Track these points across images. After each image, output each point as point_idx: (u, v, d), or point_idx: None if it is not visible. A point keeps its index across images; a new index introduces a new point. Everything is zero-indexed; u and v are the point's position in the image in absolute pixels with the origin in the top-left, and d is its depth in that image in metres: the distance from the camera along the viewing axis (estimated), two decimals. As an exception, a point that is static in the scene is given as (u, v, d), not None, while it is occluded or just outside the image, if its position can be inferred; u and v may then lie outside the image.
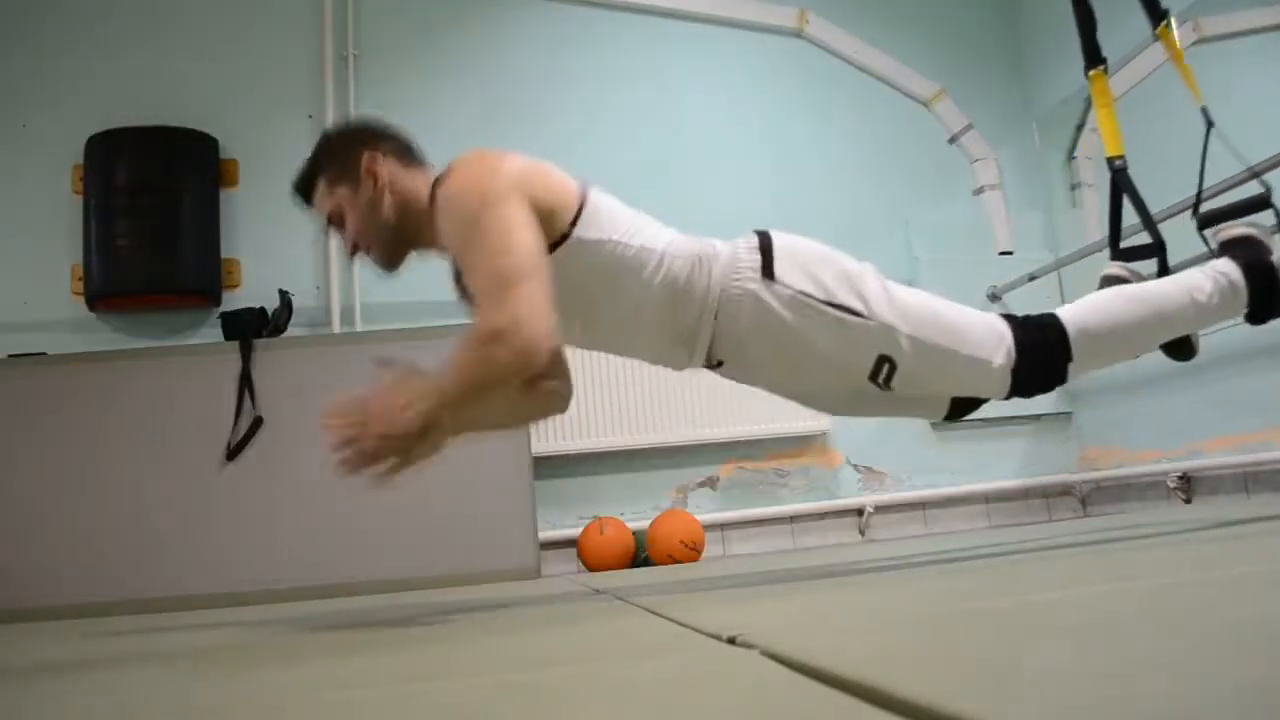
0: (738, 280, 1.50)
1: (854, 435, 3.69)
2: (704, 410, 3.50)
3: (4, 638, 2.07)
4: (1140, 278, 1.89)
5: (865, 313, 1.48)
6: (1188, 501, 3.21)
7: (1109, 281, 1.90)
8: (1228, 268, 1.64)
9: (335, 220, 1.54)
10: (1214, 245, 1.76)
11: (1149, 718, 0.44)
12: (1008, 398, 1.57)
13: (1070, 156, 3.91)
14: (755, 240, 1.56)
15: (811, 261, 1.52)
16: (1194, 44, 3.13)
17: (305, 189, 1.58)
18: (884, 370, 1.50)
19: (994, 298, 3.80)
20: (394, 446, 1.31)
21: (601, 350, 1.65)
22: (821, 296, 1.48)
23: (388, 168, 1.51)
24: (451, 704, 0.70)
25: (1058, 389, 1.62)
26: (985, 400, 1.63)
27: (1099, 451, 3.70)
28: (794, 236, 1.58)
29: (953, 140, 4.04)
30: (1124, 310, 1.59)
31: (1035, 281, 3.63)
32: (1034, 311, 1.61)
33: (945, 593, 1.23)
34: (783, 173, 3.88)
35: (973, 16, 4.19)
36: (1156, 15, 2.05)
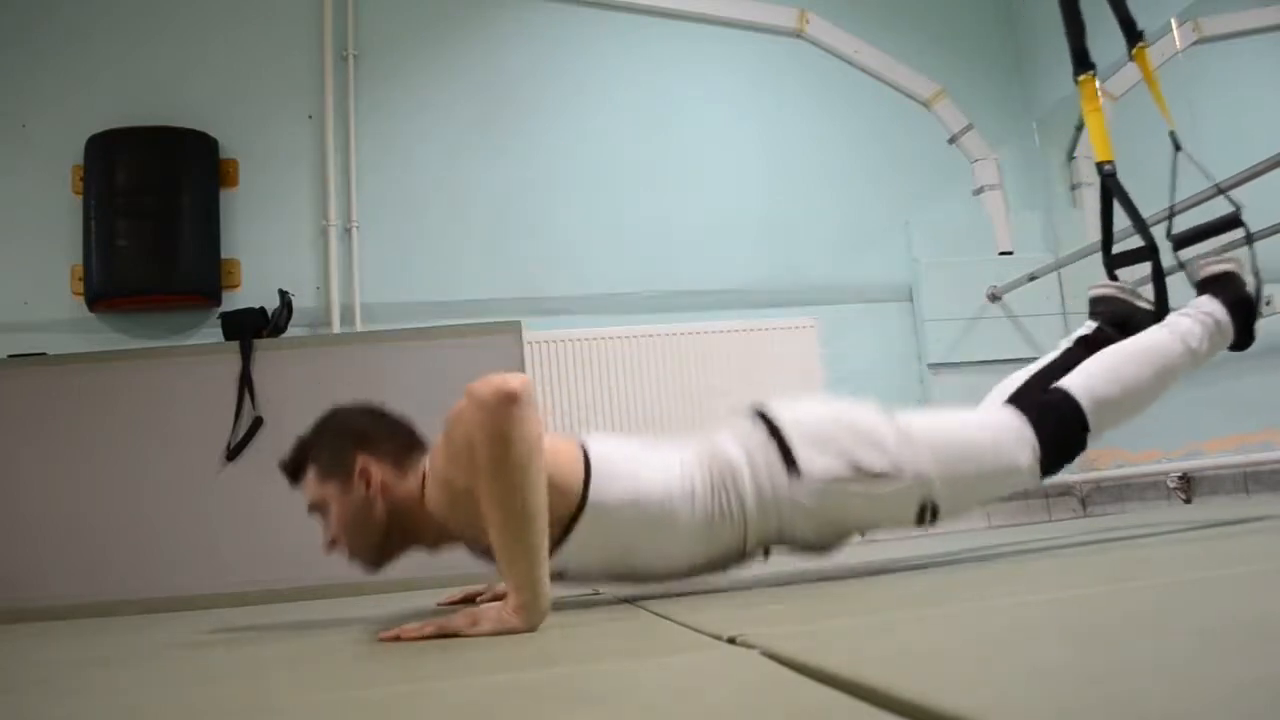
0: (768, 489, 1.45)
1: (854, 435, 3.68)
2: (704, 410, 3.50)
3: (4, 638, 2.06)
4: (1133, 293, 1.91)
5: (895, 473, 1.45)
6: (1188, 501, 3.21)
7: (1099, 303, 1.92)
8: (1211, 307, 1.72)
9: (319, 510, 1.50)
10: (1194, 281, 1.82)
11: (1149, 718, 0.44)
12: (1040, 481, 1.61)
13: (1070, 156, 3.91)
14: (763, 430, 1.49)
15: (825, 432, 1.47)
16: (1194, 44, 3.13)
17: (293, 470, 1.52)
18: (927, 514, 1.50)
19: (994, 298, 3.80)
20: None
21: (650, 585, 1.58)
22: (850, 474, 1.44)
23: (382, 473, 1.45)
24: (451, 704, 0.69)
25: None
26: None
27: (1099, 451, 3.70)
28: (793, 406, 1.53)
29: (953, 140, 4.04)
30: (1131, 373, 1.63)
31: (1035, 281, 3.64)
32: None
33: (945, 593, 1.23)
34: (782, 173, 3.88)
35: (973, 16, 4.19)
36: (1133, 36, 2.06)
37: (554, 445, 1.37)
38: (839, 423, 1.49)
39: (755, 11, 3.98)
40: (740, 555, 1.51)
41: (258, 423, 2.91)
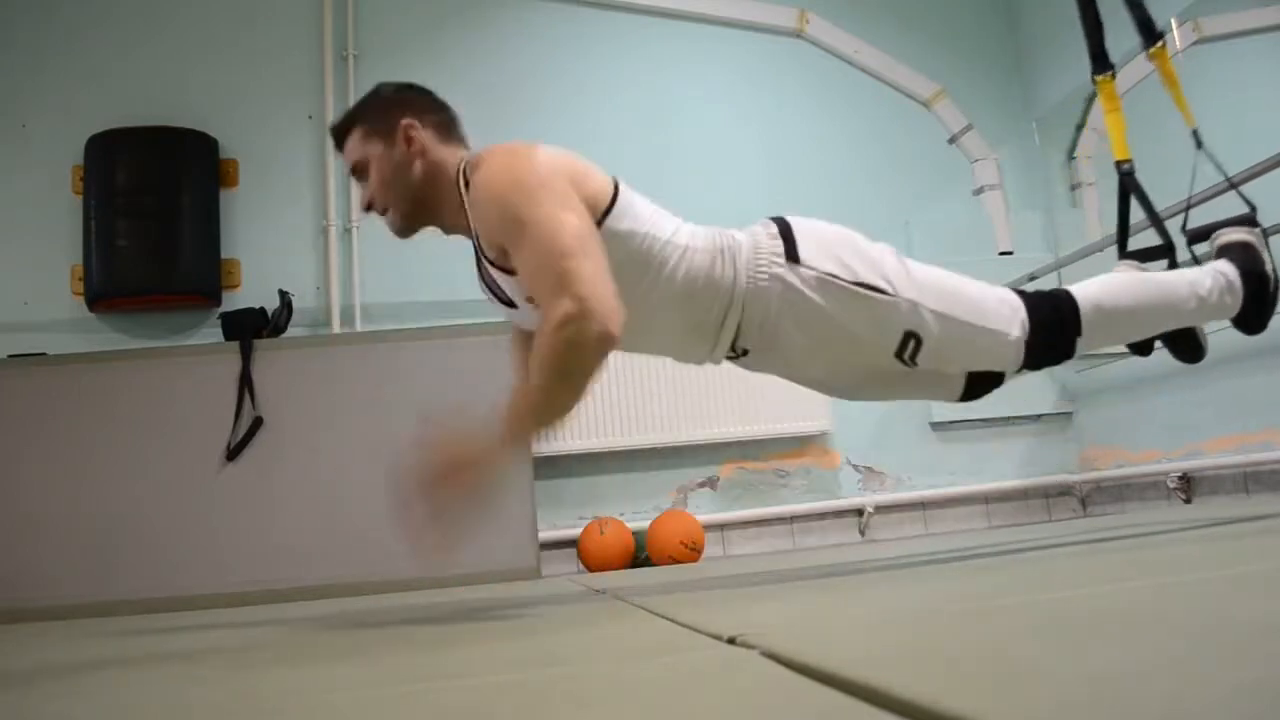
0: (763, 267, 1.50)
1: (854, 435, 3.69)
2: (704, 410, 3.50)
3: (4, 638, 2.07)
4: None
5: (890, 290, 1.50)
6: (1188, 501, 3.21)
7: None
8: (1226, 269, 1.71)
9: (359, 172, 1.55)
10: (1213, 247, 1.82)
11: (1149, 718, 0.44)
12: (1019, 371, 1.60)
13: (1070, 156, 3.91)
14: (774, 227, 1.55)
15: (832, 243, 1.54)
16: (1194, 44, 3.13)
17: (340, 133, 1.57)
18: (910, 346, 1.52)
19: (994, 298, 3.80)
20: (461, 507, 1.29)
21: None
22: (847, 276, 1.50)
23: (425, 136, 1.53)
24: (452, 704, 0.69)
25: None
26: (1000, 382, 1.65)
27: (1099, 451, 3.70)
28: (810, 220, 1.59)
29: (953, 140, 4.04)
30: (1133, 292, 1.65)
31: (1035, 281, 3.63)
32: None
33: (945, 593, 1.23)
34: (782, 173, 3.88)
35: (973, 16, 4.19)
36: (1151, 36, 2.06)
37: (589, 171, 1.48)
38: (846, 239, 1.56)
39: (755, 11, 3.98)
40: (715, 334, 1.54)
41: (258, 423, 2.91)
